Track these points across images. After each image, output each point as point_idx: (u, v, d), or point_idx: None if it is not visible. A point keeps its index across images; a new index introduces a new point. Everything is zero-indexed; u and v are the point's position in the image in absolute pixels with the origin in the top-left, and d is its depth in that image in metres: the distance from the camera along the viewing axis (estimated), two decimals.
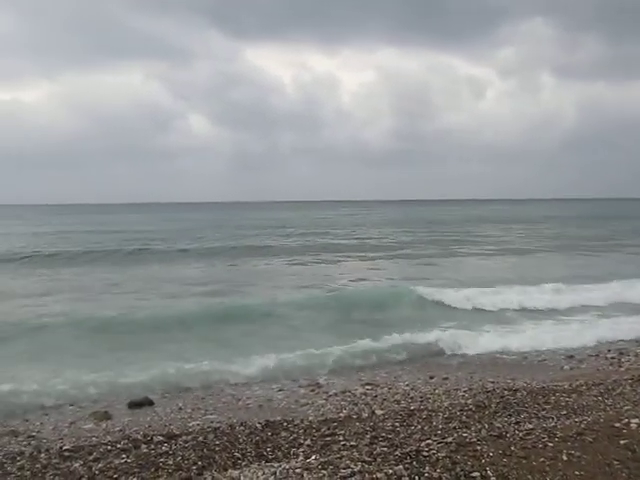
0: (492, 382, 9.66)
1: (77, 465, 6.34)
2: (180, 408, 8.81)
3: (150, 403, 9.01)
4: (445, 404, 8.19)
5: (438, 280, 21.31)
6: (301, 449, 6.54)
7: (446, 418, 7.50)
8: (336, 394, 9.37)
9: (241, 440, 6.93)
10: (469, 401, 8.32)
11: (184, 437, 7.09)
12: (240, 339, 13.03)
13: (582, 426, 6.73)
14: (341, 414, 7.96)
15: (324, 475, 5.51)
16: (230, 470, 6.00)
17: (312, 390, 9.72)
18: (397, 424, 7.32)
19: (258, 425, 7.45)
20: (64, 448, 6.86)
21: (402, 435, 6.86)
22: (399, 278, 23.65)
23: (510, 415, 7.55)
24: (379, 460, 5.93)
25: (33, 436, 7.66)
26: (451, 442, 6.43)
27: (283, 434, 7.10)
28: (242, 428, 7.37)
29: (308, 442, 6.75)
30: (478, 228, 58.55)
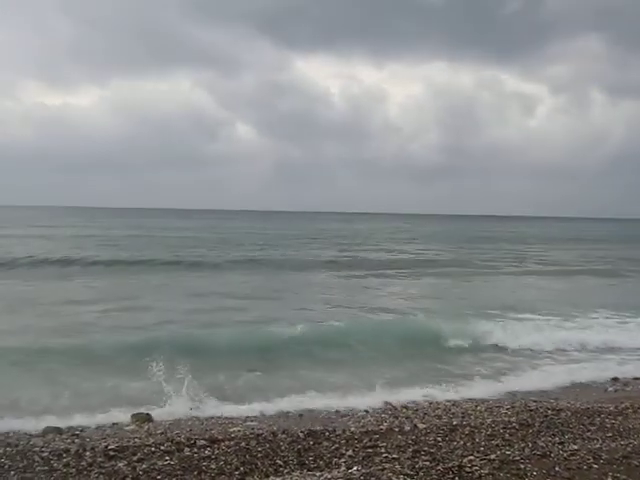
0: (535, 401, 9.64)
1: (121, 465, 6.53)
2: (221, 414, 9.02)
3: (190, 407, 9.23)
4: (487, 421, 8.23)
5: (484, 306, 19.66)
6: (343, 459, 6.65)
7: (489, 435, 7.55)
8: (378, 405, 9.48)
9: (283, 448, 7.06)
10: (512, 419, 8.34)
11: (226, 442, 7.24)
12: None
13: (628, 449, 6.76)
14: (382, 426, 8.04)
15: None
16: (272, 477, 6.17)
17: None
18: (439, 439, 7.39)
19: (300, 434, 7.58)
20: (109, 447, 7.05)
21: (444, 450, 6.93)
22: (441, 304, 21.84)
23: (554, 435, 7.58)
24: (421, 474, 6.05)
25: (77, 434, 7.89)
26: (494, 459, 6.51)
27: (325, 444, 7.22)
28: (284, 436, 7.50)
29: (350, 453, 6.86)
30: (524, 246, 56.54)
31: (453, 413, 8.88)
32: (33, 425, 8.26)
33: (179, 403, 9.26)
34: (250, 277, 28.02)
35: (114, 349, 12.12)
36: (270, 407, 9.30)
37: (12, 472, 6.36)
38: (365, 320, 17.39)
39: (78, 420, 8.57)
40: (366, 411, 9.15)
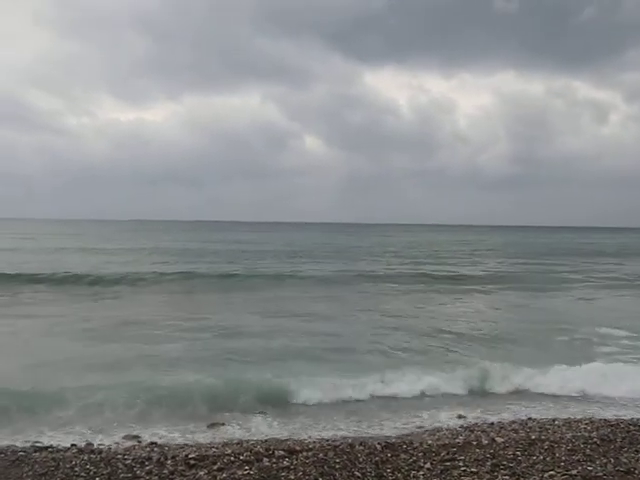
0: (615, 416, 9.57)
1: (202, 474, 6.77)
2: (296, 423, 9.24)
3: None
4: (567, 435, 8.21)
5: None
6: (421, 472, 6.75)
7: (569, 450, 7.53)
8: (451, 419, 9.56)
9: (361, 459, 7.19)
10: (593, 434, 8.30)
11: (305, 453, 7.42)
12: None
13: None
14: (458, 439, 8.12)
15: None
16: None
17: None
18: (518, 453, 7.41)
19: (377, 445, 7.70)
20: (189, 456, 7.31)
21: (524, 465, 6.96)
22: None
23: (637, 451, 7.51)
24: None
25: (155, 443, 8.19)
26: (576, 475, 6.54)
27: (402, 456, 7.32)
28: (361, 447, 7.64)
29: (428, 465, 6.95)
30: (603, 259, 53.02)
31: (530, 427, 8.88)
32: (109, 433, 8.64)
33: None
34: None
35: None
36: None
37: (97, 479, 6.67)
38: None
39: (154, 428, 8.90)
40: (440, 423, 9.25)
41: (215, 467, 6.97)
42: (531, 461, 7.11)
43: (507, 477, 6.51)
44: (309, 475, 6.70)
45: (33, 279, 27.34)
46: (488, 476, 6.55)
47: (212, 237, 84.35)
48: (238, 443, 8.15)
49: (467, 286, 29.81)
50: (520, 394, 11.17)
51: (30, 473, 6.81)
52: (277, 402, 10.16)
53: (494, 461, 7.08)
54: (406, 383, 11.10)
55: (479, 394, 11.07)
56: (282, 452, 7.46)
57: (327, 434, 8.63)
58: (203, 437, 8.60)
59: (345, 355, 13.78)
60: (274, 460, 7.19)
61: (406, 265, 42.07)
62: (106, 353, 13.50)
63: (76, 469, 6.93)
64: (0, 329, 16.54)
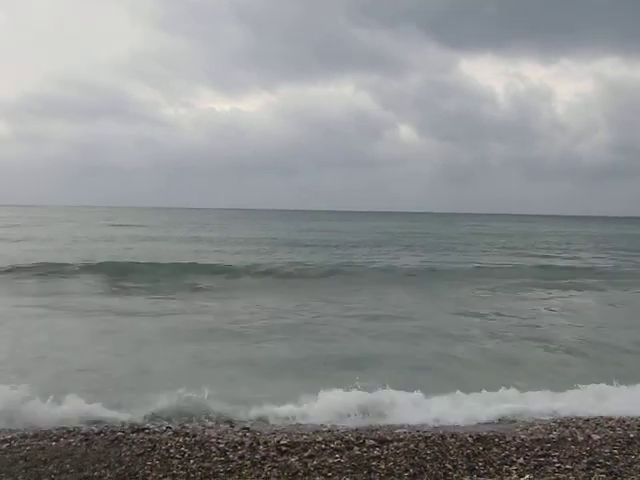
0: None
1: (293, 460, 6.95)
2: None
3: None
4: None
5: None
6: (514, 467, 6.73)
7: None
8: (543, 413, 9.45)
9: (452, 452, 7.23)
10: None
11: (395, 443, 7.51)
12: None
13: None
14: (552, 435, 8.04)
15: None
16: None
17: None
18: (615, 451, 7.28)
19: (469, 438, 7.73)
20: (281, 442, 7.52)
21: (622, 464, 6.83)
22: None
23: None
24: None
25: (247, 428, 8.43)
26: None
27: (494, 450, 7.32)
28: (453, 440, 7.68)
29: (521, 460, 6.93)
30: None
31: (628, 425, 8.69)
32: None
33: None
34: None
35: None
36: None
37: (191, 461, 6.94)
38: None
39: (245, 413, 9.12)
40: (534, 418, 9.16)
41: (306, 454, 7.14)
42: (629, 460, 6.98)
43: (604, 476, 6.43)
44: (400, 465, 6.79)
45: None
46: (584, 474, 6.49)
47: (327, 226, 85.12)
48: (329, 431, 8.27)
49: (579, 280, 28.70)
50: None
51: (128, 453, 7.13)
52: None
53: (590, 459, 6.99)
54: None
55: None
56: (373, 441, 7.57)
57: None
58: (294, 424, 8.75)
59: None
60: (364, 449, 7.31)
61: (523, 257, 40.86)
62: None
63: (171, 451, 7.22)
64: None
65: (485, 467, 6.78)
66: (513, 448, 7.41)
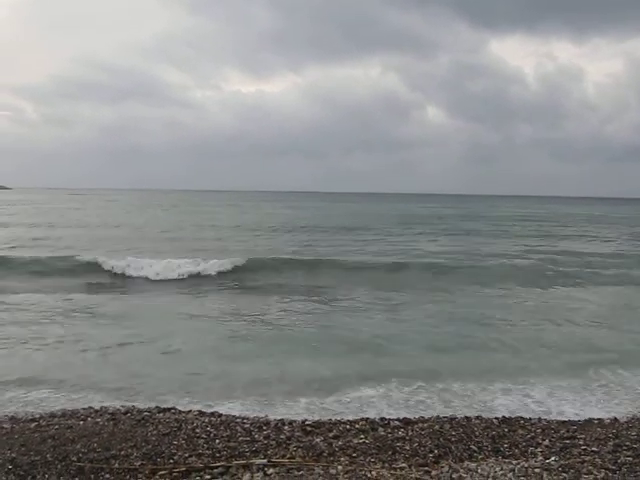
0: None
1: (318, 440, 7.13)
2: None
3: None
4: None
5: None
6: (539, 449, 6.86)
7: None
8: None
9: (477, 433, 7.39)
10: None
11: (420, 424, 7.70)
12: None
13: None
14: (578, 417, 8.20)
15: (564, 478, 5.84)
16: (466, 462, 6.49)
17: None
18: None
19: (494, 420, 7.89)
20: (306, 423, 7.75)
21: None
22: None
23: None
24: (624, 470, 6.15)
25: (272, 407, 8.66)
26: None
27: (520, 432, 7.47)
28: (478, 421, 7.85)
29: (546, 442, 7.06)
30: None
31: None
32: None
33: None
34: None
35: None
36: None
37: (217, 440, 7.15)
38: None
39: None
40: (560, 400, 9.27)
41: (331, 434, 7.33)
42: None
43: (630, 458, 6.51)
44: (424, 446, 6.94)
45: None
46: (610, 456, 6.58)
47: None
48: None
49: None
50: None
51: (155, 432, 7.36)
52: None
53: (616, 441, 7.09)
54: None
55: None
56: (397, 422, 7.76)
57: (440, 406, 8.84)
58: (320, 405, 8.95)
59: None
60: (389, 430, 7.50)
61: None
62: None
63: (197, 430, 7.45)
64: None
65: (510, 449, 6.93)
66: (539, 430, 7.56)
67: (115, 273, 22.18)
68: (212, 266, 22.63)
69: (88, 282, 20.38)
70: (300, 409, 8.68)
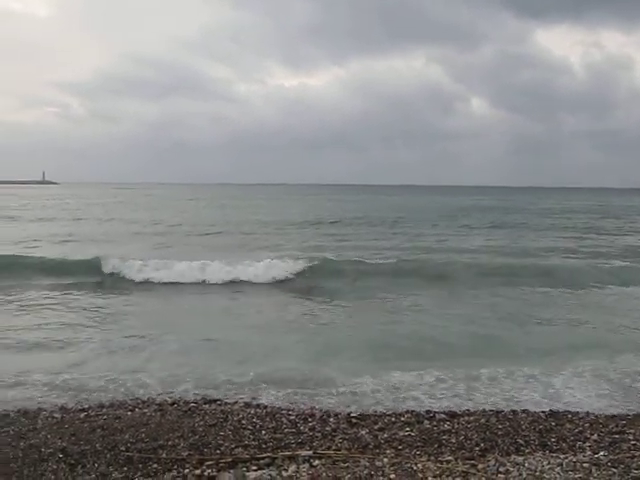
0: None
1: (363, 433, 7.19)
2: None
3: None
4: None
5: None
6: (587, 443, 6.83)
7: None
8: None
9: (524, 427, 7.38)
10: None
11: (466, 417, 7.72)
12: None
13: None
14: (627, 412, 8.14)
15: (614, 473, 5.79)
16: (513, 456, 6.49)
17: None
18: None
19: (541, 414, 7.87)
20: (352, 415, 7.82)
21: None
22: None
23: None
24: None
25: (317, 399, 8.70)
26: None
27: (568, 426, 7.43)
28: (524, 415, 7.84)
29: (595, 437, 7.02)
30: None
31: None
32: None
33: None
34: None
35: None
36: None
37: (263, 432, 7.25)
38: None
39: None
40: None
41: (376, 427, 7.39)
42: None
43: None
44: (470, 440, 6.97)
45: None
46: None
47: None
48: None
49: None
50: None
51: (201, 423, 7.49)
52: None
53: None
54: None
55: None
56: (443, 415, 7.79)
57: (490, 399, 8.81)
58: (362, 398, 8.96)
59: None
60: (435, 423, 7.53)
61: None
62: None
63: (243, 422, 7.56)
64: None
65: (558, 443, 6.91)
66: (587, 424, 7.51)
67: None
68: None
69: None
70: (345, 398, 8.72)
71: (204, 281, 19.35)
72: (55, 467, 6.17)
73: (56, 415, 7.83)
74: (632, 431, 7.24)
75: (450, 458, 6.37)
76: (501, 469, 5.97)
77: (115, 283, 18.95)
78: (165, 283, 19.11)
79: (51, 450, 6.56)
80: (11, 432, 7.17)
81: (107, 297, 16.76)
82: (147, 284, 18.94)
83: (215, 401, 8.46)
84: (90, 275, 19.77)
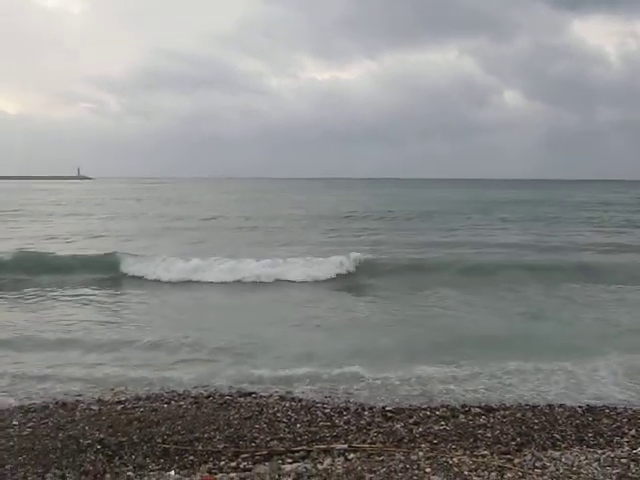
0: None
1: (398, 426, 7.20)
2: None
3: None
4: None
5: None
6: (625, 439, 6.78)
7: None
8: None
9: (560, 422, 7.34)
10: None
11: (502, 412, 7.68)
12: None
13: None
14: None
15: None
16: (550, 451, 6.46)
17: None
18: None
19: (578, 408, 7.81)
20: (386, 409, 7.82)
21: None
22: None
23: None
24: None
25: (351, 393, 8.73)
26: None
27: (605, 421, 7.37)
28: (561, 410, 7.78)
29: (633, 432, 6.95)
30: None
31: None
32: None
33: None
34: None
35: None
36: None
37: (298, 425, 7.30)
38: None
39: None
40: None
41: (411, 420, 7.39)
42: None
43: None
44: (506, 434, 6.94)
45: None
46: None
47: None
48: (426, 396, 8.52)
49: None
50: None
51: (237, 416, 7.55)
52: None
53: None
54: None
55: None
56: (478, 409, 7.77)
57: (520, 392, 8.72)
58: (397, 391, 8.94)
59: None
60: (470, 417, 7.51)
61: None
62: None
63: (278, 415, 7.61)
64: None
65: (595, 438, 6.86)
66: (625, 419, 7.44)
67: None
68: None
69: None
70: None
71: (239, 280, 19.29)
72: (93, 458, 6.28)
73: (94, 407, 7.94)
74: None
75: (486, 452, 6.37)
76: (537, 464, 5.96)
77: (149, 281, 19.06)
78: (202, 282, 19.08)
79: (89, 441, 6.67)
80: (50, 424, 7.30)
81: (142, 295, 16.92)
82: (186, 283, 18.93)
83: (250, 394, 8.51)
84: (124, 273, 19.94)
